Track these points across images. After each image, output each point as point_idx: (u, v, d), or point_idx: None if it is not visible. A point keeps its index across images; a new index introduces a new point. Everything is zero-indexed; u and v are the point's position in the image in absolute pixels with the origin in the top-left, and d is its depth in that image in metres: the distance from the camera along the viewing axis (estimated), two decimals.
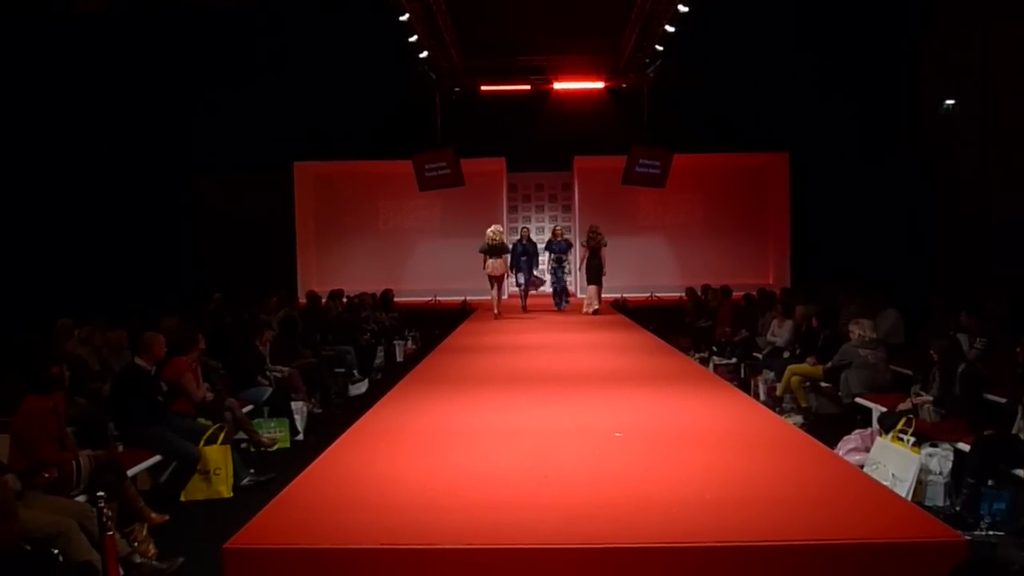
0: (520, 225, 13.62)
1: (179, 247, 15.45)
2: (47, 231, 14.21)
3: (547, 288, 13.21)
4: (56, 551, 3.73)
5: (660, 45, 13.56)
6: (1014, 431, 5.00)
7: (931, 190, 14.31)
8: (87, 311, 8.73)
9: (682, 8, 11.93)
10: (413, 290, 15.67)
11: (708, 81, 14.83)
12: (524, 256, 12.48)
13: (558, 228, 13.24)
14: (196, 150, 15.48)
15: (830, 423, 7.18)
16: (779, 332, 9.22)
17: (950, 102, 13.62)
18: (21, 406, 4.53)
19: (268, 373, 7.67)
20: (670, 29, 12.72)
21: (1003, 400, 5.63)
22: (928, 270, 14.05)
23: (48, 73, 14.17)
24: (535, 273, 12.85)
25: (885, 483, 4.82)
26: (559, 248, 12.67)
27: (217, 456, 5.57)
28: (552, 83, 15.45)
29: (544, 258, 13.56)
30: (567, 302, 12.84)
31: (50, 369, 4.63)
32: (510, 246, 12.29)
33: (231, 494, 5.58)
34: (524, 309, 12.66)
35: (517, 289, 12.97)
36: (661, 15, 12.41)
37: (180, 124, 15.20)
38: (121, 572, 3.91)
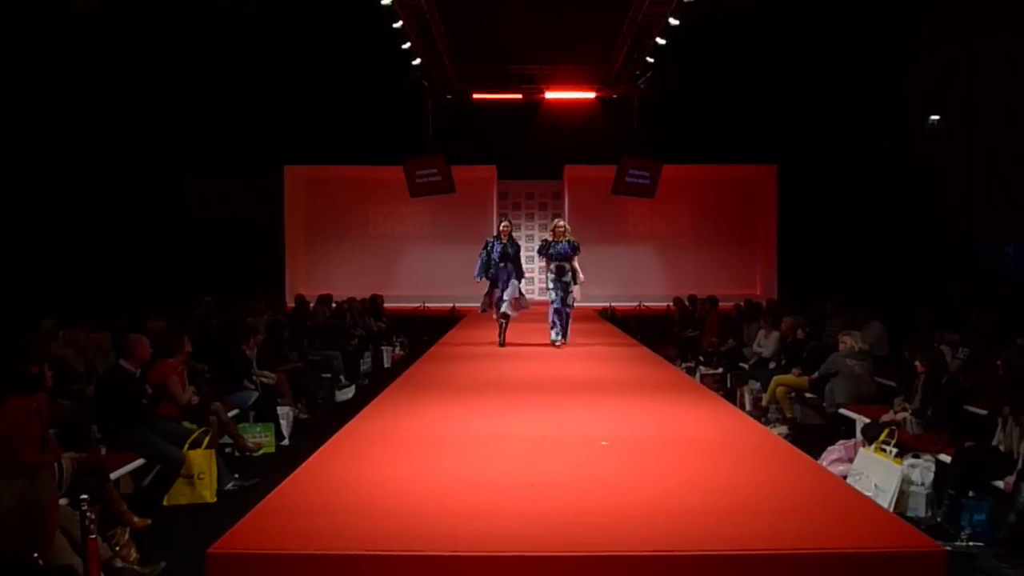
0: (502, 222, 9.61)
1: (167, 249, 15.38)
2: (35, 231, 14.10)
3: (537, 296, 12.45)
4: (36, 555, 3.70)
5: (651, 57, 13.67)
6: (994, 443, 5.06)
7: (916, 204, 14.48)
8: (73, 312, 8.67)
9: (673, 21, 12.05)
10: (402, 296, 15.65)
11: (698, 93, 14.96)
12: (503, 261, 9.03)
13: (560, 225, 9.11)
14: (186, 151, 15.43)
15: (815, 434, 7.23)
16: (765, 343, 9.28)
17: (935, 117, 13.81)
18: (2, 407, 4.48)
19: (254, 377, 7.63)
20: (661, 41, 12.85)
21: (984, 412, 5.69)
22: (912, 283, 14.19)
23: (40, 72, 14.10)
24: (520, 290, 9.15)
25: (868, 493, 4.86)
26: (561, 253, 8.93)
27: (201, 460, 5.54)
28: (543, 92, 15.54)
29: (534, 266, 12.65)
30: (565, 334, 9.01)
31: (30, 369, 4.59)
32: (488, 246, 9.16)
33: (215, 499, 5.54)
34: (501, 344, 8.99)
35: (491, 312, 9.23)
36: (652, 27, 12.52)
37: (171, 125, 15.15)
38: None
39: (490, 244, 9.12)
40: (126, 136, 14.94)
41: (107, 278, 14.04)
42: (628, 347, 9.54)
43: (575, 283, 8.92)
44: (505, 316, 9.00)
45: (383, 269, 16.34)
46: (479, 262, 9.06)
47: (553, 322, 8.98)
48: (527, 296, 9.49)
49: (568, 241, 8.98)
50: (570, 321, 9.10)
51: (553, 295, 8.96)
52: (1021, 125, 11.50)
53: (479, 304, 9.39)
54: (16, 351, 4.69)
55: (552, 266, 9.00)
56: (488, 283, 9.10)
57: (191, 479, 5.50)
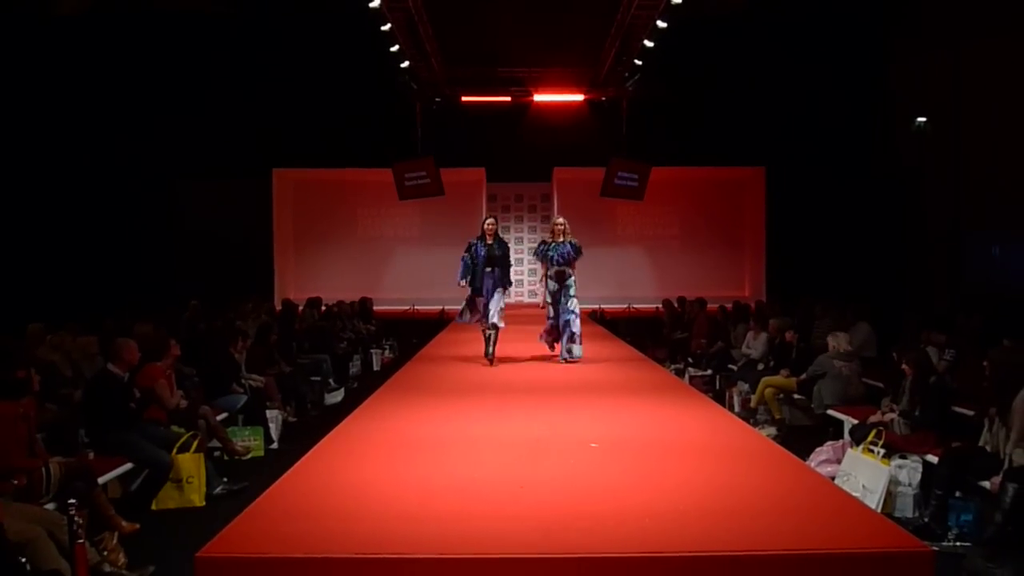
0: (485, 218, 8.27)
1: (155, 252, 15.28)
2: (21, 234, 13.99)
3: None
4: (24, 559, 3.66)
5: (639, 59, 13.72)
6: (981, 443, 5.11)
7: (903, 205, 14.60)
8: (60, 316, 8.61)
9: (661, 24, 12.10)
10: (391, 299, 15.63)
11: (686, 96, 15.03)
12: (489, 266, 7.82)
13: (559, 223, 7.96)
14: (174, 154, 15.33)
15: (803, 435, 7.27)
16: (754, 344, 9.33)
17: (921, 119, 13.92)
18: None
19: (243, 381, 7.60)
20: (649, 44, 12.90)
21: (971, 413, 5.74)
22: (899, 285, 14.30)
23: (25, 75, 14.00)
24: (503, 297, 7.92)
25: (856, 494, 4.89)
26: (563, 256, 7.85)
27: (190, 464, 5.51)
28: (532, 95, 15.55)
29: (524, 268, 12.65)
30: (576, 349, 7.88)
31: (16, 373, 4.56)
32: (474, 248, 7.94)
33: (203, 503, 5.51)
34: (490, 360, 7.85)
35: (473, 321, 8.12)
36: (640, 30, 12.57)
37: (159, 128, 15.06)
38: None
39: (473, 246, 7.91)
40: (114, 138, 14.83)
41: (94, 281, 13.94)
42: (617, 349, 9.56)
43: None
44: (494, 327, 7.83)
45: (372, 272, 16.31)
46: (462, 265, 7.90)
47: (561, 336, 7.87)
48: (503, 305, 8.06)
49: (571, 242, 7.86)
50: (576, 334, 7.81)
51: (561, 303, 7.78)
52: (1006, 127, 11.62)
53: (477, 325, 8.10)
54: (2, 355, 4.66)
55: (551, 271, 7.84)
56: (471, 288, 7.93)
57: (179, 483, 5.47)
